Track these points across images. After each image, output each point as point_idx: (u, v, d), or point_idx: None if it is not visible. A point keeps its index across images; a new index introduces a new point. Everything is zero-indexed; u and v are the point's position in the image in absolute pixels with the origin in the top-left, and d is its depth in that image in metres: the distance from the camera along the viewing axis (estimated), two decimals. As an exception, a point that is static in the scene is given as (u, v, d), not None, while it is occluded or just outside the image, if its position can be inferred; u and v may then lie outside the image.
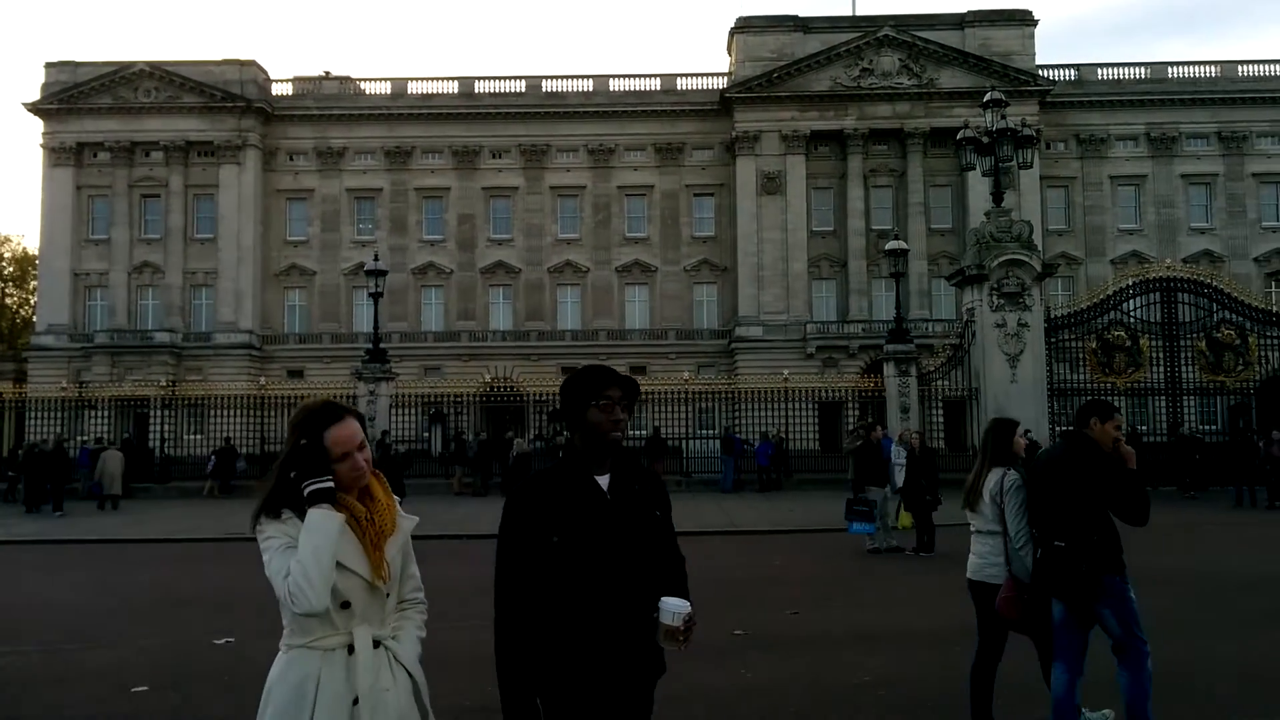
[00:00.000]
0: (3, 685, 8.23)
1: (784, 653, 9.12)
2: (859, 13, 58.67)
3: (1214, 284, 30.24)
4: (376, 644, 3.17)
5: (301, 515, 3.07)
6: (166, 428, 34.07)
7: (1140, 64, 58.67)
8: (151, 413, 34.74)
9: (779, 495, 27.73)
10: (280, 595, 3.03)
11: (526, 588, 3.24)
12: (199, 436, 35.39)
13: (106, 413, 34.28)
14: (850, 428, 26.99)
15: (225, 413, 32.92)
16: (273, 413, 33.86)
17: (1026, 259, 26.65)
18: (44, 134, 57.24)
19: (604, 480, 3.35)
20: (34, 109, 56.92)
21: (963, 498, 6.70)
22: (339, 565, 3.04)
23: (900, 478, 17.00)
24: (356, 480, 3.19)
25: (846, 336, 54.04)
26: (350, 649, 3.11)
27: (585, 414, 3.31)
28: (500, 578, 3.30)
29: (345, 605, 3.11)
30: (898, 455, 17.60)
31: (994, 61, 54.99)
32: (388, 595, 3.25)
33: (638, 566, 3.31)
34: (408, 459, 29.14)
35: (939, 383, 29.66)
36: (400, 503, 3.46)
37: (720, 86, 58.00)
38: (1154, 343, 29.01)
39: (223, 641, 9.67)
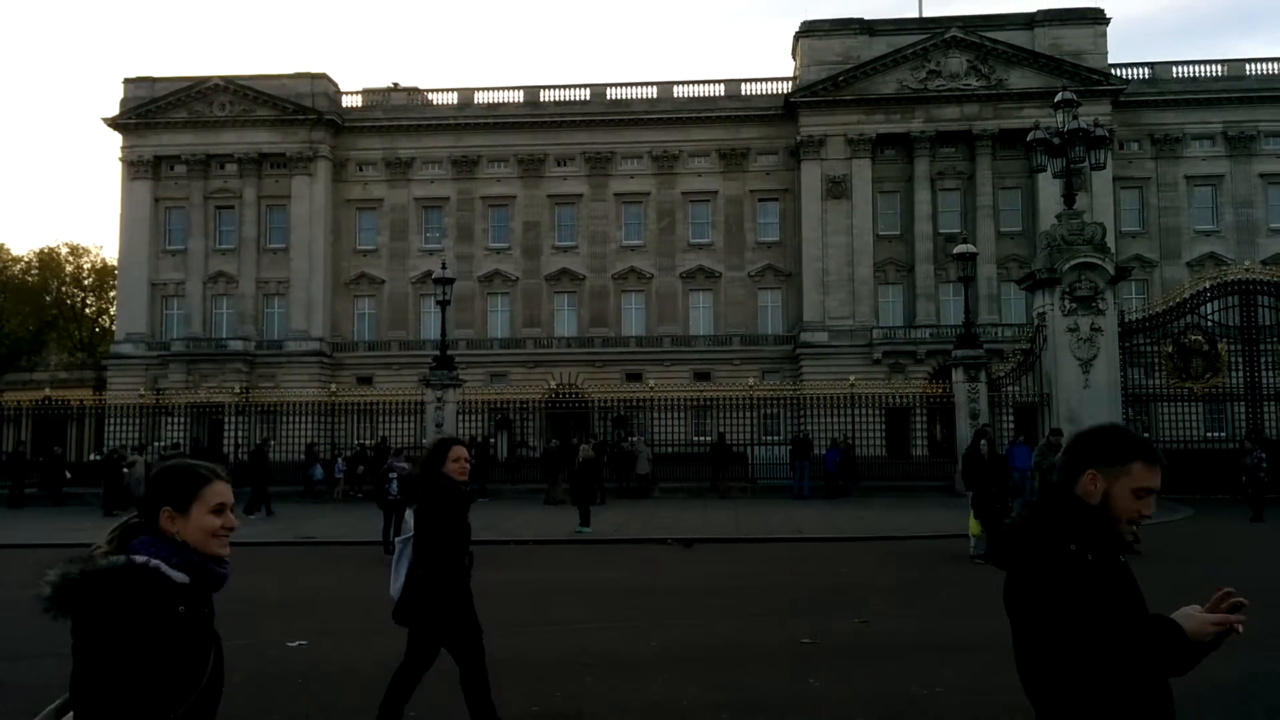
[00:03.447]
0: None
1: (853, 662, 9.03)
2: (925, 14, 58.01)
3: (1296, 286, 29.23)
4: None
5: None
6: (240, 434, 34.85)
7: (1217, 61, 57.08)
8: (226, 419, 35.57)
9: (846, 502, 27.47)
10: None
11: None
12: (272, 441, 36.13)
13: (182, 419, 35.19)
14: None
15: (297, 419, 33.54)
16: (342, 419, 34.52)
17: (1099, 262, 26.05)
18: (123, 148, 58.87)
19: None
20: (113, 124, 58.58)
21: None
22: None
23: None
24: None
25: (914, 342, 53.36)
26: None
27: None
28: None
29: None
30: None
31: (1065, 61, 53.91)
32: None
33: None
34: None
35: (1009, 388, 29.10)
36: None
37: (785, 91, 57.71)
38: (1233, 347, 28.16)
39: (296, 644, 9.87)
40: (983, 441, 16.95)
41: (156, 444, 33.35)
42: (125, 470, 27.58)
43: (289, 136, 58.07)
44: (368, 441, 33.18)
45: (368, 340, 59.00)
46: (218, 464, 3.01)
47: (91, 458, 35.50)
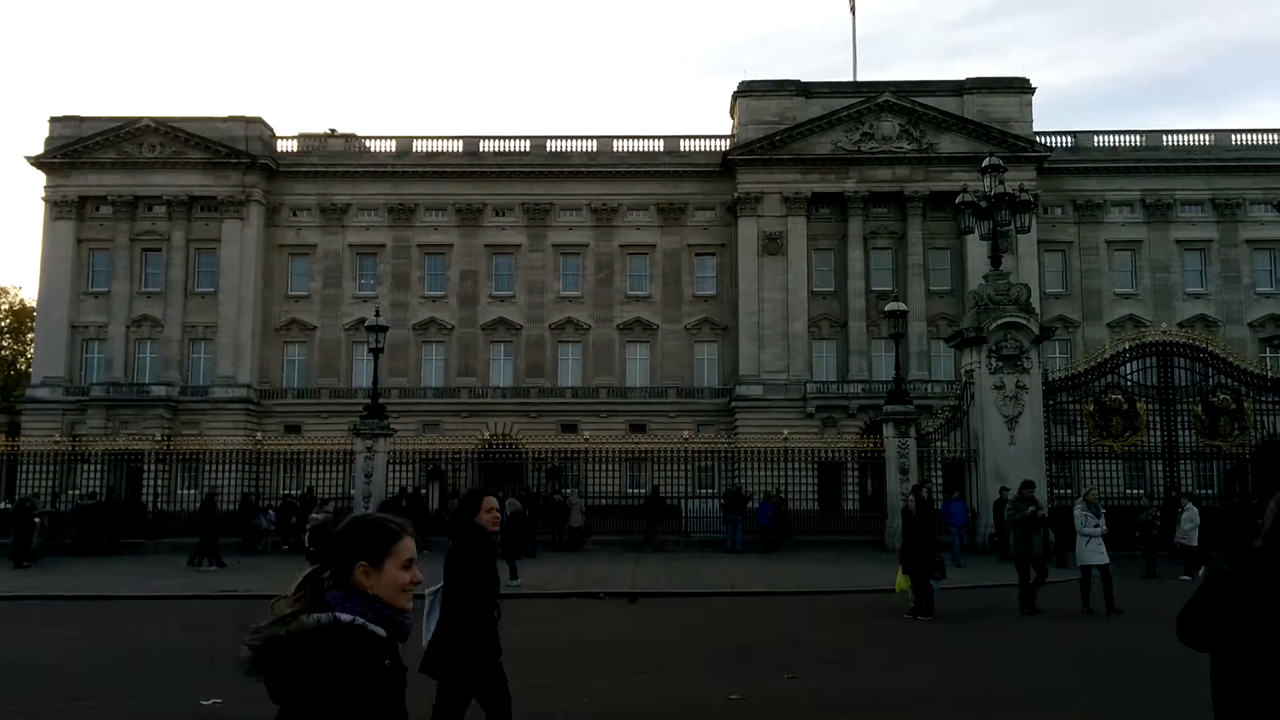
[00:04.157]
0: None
1: (781, 718, 8.95)
2: (860, 78, 59.52)
3: (1209, 349, 30.26)
4: None
5: None
6: (160, 482, 33.83)
7: (1136, 131, 59.35)
8: (145, 467, 34.52)
9: (778, 556, 27.46)
10: None
11: None
12: (193, 491, 35.10)
13: (99, 467, 34.02)
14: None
15: (220, 468, 32.69)
16: (268, 468, 33.72)
17: (1024, 322, 26.75)
18: (46, 187, 57.48)
19: None
20: (37, 163, 57.17)
21: None
22: None
23: (1092, 552, 16.11)
24: None
25: (846, 396, 54.00)
26: None
27: None
28: None
29: None
30: (1086, 523, 16.49)
31: (992, 127, 55.62)
32: None
33: None
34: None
35: (938, 444, 29.52)
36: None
37: (723, 149, 58.60)
38: (1151, 407, 28.95)
39: (210, 703, 9.49)
40: (910, 497, 17.11)
41: (72, 492, 32.22)
42: (37, 521, 26.53)
43: (221, 180, 57.29)
44: (294, 491, 32.42)
45: (297, 388, 57.95)
46: (406, 519, 3.09)
47: (2, 506, 34.15)
